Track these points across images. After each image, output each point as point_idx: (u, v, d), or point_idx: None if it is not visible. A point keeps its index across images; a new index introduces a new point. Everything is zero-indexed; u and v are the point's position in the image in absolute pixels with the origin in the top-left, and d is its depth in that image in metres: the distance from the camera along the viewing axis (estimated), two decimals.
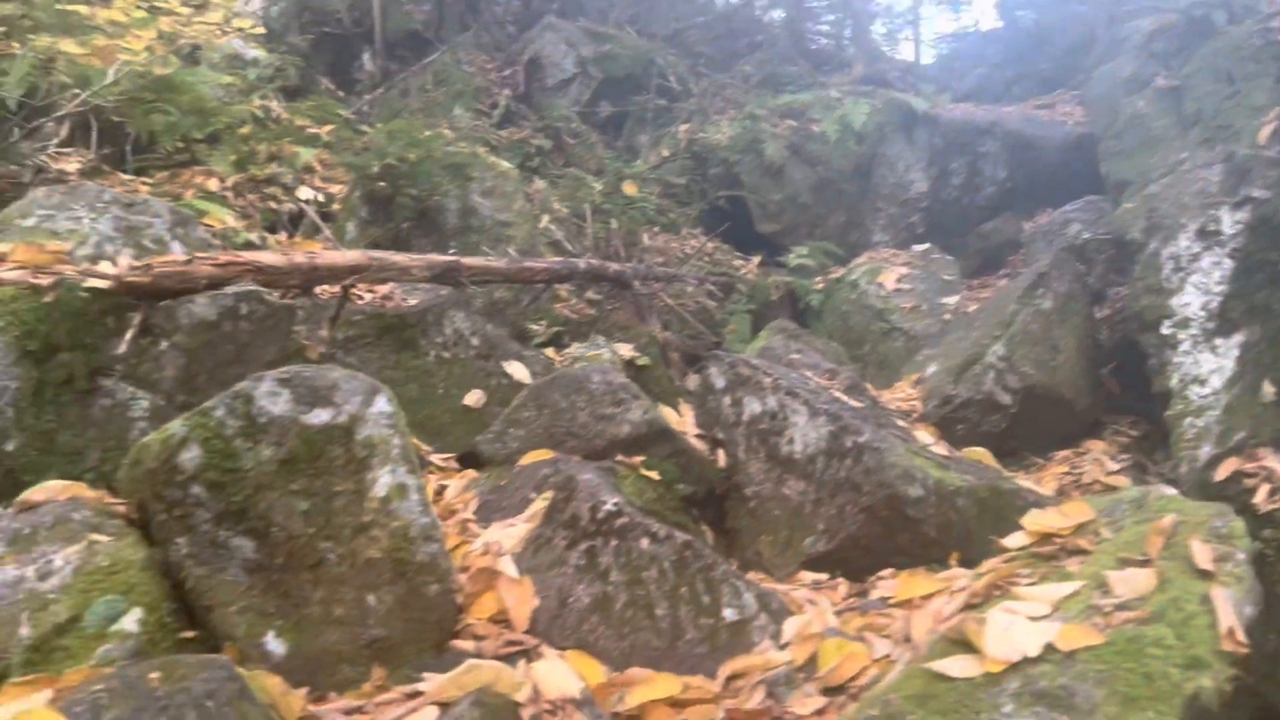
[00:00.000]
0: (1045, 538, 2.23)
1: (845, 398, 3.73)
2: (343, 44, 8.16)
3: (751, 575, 3.02)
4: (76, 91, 4.75)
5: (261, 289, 3.24)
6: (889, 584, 2.88)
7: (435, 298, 4.20)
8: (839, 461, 3.23)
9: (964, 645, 1.82)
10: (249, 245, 4.45)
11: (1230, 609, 1.74)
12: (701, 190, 7.29)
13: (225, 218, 4.70)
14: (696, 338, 5.91)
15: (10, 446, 2.77)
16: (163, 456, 2.18)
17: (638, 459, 3.42)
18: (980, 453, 3.80)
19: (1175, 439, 3.90)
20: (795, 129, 7.38)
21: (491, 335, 4.30)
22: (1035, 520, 2.28)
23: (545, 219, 5.96)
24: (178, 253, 3.40)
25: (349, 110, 7.06)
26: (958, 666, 1.76)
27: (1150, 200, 4.51)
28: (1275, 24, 5.22)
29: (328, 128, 6.29)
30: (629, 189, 6.76)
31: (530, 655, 2.37)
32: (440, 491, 3.31)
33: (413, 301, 4.19)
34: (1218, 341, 3.94)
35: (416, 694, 2.07)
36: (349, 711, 2.03)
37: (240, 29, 6.25)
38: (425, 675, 2.16)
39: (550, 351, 4.89)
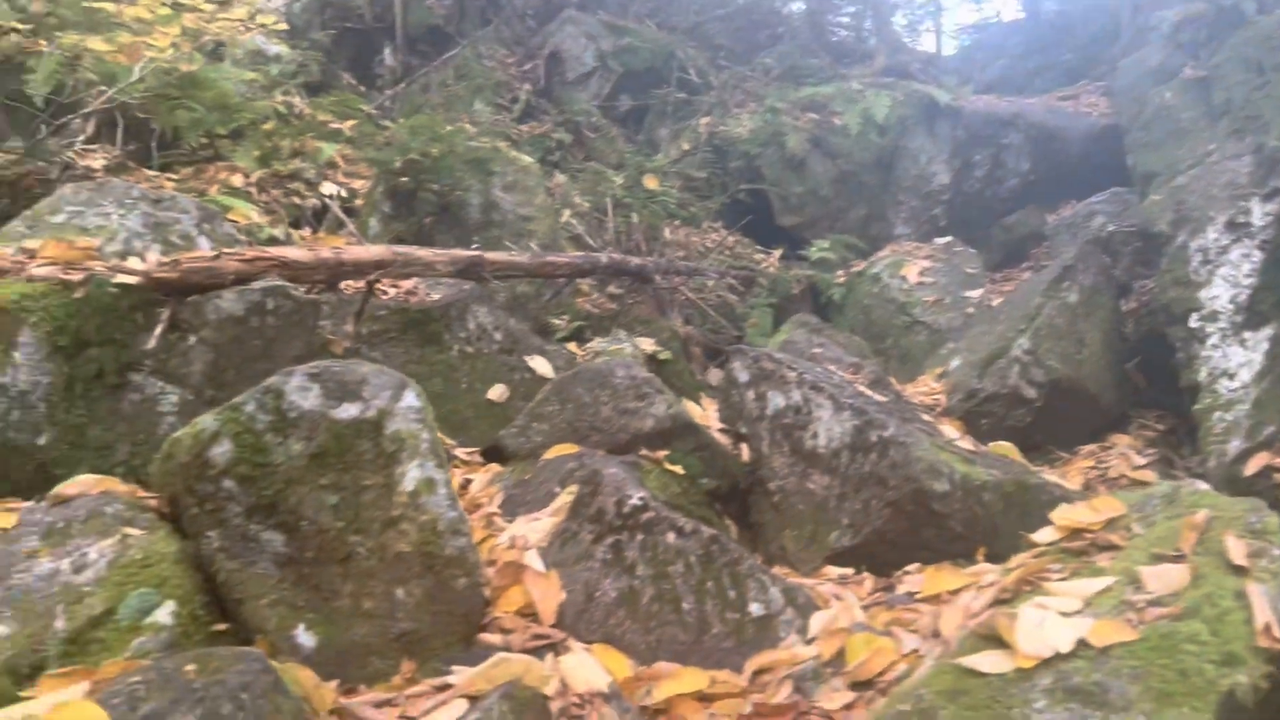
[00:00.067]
0: (1075, 533, 2.21)
1: (869, 392, 3.71)
2: (364, 39, 8.18)
3: (776, 570, 3.02)
4: (103, 89, 4.79)
5: (288, 284, 3.26)
6: (915, 579, 2.88)
7: (458, 293, 4.22)
8: (864, 456, 3.22)
9: (995, 641, 1.81)
10: (273, 241, 4.47)
11: (1266, 605, 1.73)
12: (722, 184, 7.26)
13: (250, 213, 4.73)
14: (718, 332, 5.90)
15: (42, 441, 2.80)
16: (195, 451, 2.20)
17: (661, 453, 3.42)
18: (1006, 447, 3.78)
19: (1203, 433, 3.87)
20: (817, 122, 7.34)
21: (514, 330, 4.31)
22: (1065, 515, 2.26)
23: (566, 213, 5.96)
24: (205, 248, 3.43)
25: (371, 105, 7.08)
26: (989, 662, 1.75)
27: (1178, 192, 4.47)
28: None
29: (350, 123, 6.32)
30: (650, 183, 6.75)
31: (557, 649, 2.38)
32: (465, 485, 3.32)
33: (436, 296, 4.20)
34: (1246, 335, 3.90)
35: (446, 687, 2.09)
36: (380, 704, 2.04)
37: (263, 25, 6.28)
38: (454, 668, 2.17)
39: (572, 346, 4.90)
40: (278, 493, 2.22)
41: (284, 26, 6.57)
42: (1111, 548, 2.11)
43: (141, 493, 2.42)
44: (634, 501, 2.67)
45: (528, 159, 5.94)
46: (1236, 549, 1.88)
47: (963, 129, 7.33)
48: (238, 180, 5.18)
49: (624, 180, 6.68)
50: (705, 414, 3.93)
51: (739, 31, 9.48)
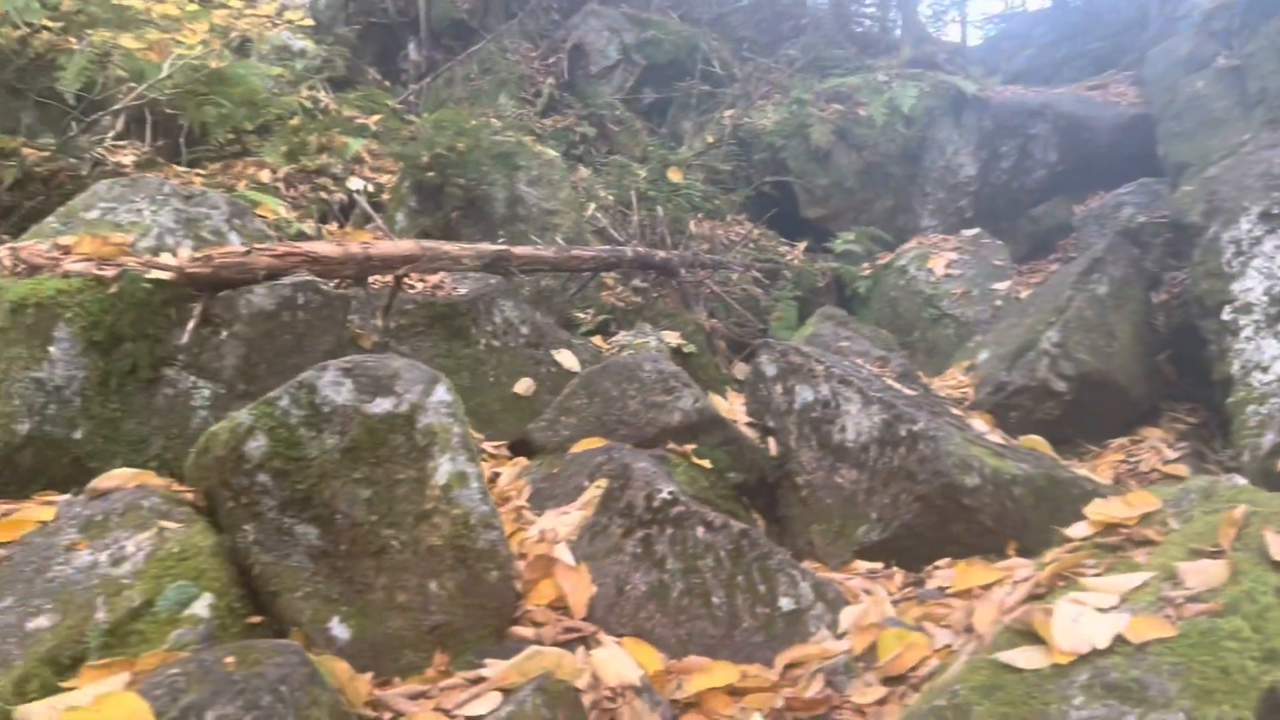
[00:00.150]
0: (1110, 528, 2.19)
1: (898, 385, 3.70)
2: (389, 34, 8.22)
3: (804, 564, 3.01)
4: (132, 85, 4.83)
5: (317, 279, 3.27)
6: (946, 573, 2.87)
7: (485, 286, 4.23)
8: (893, 450, 3.21)
9: (1030, 636, 1.80)
10: (301, 236, 4.50)
11: None
12: (747, 176, 7.25)
13: (277, 208, 4.76)
14: (742, 325, 5.89)
15: (77, 434, 2.83)
16: (230, 445, 2.22)
17: (689, 447, 3.42)
18: (1036, 441, 3.75)
19: (1236, 427, 3.83)
20: (842, 113, 7.31)
21: (540, 324, 4.32)
22: (1099, 510, 2.24)
23: (591, 207, 5.97)
24: (235, 244, 3.45)
25: (395, 100, 7.11)
26: (1025, 658, 1.74)
27: (1210, 183, 4.41)
28: None
29: (375, 118, 6.35)
30: (674, 176, 6.75)
31: (588, 642, 2.38)
32: (493, 479, 3.33)
33: (463, 290, 4.22)
34: None
35: (479, 679, 2.10)
36: (414, 696, 2.06)
37: (289, 21, 6.31)
38: (487, 661, 2.18)
39: (597, 339, 4.91)
40: (312, 486, 2.24)
41: (310, 22, 6.59)
42: (1147, 543, 2.09)
43: (177, 486, 2.44)
44: (664, 495, 2.67)
45: (552, 153, 5.96)
46: (1276, 545, 1.86)
47: (989, 120, 7.28)
48: (265, 176, 5.22)
49: (648, 173, 6.68)
50: (732, 408, 3.93)
51: (763, 23, 9.45)
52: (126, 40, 4.81)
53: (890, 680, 2.21)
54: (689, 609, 2.53)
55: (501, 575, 2.39)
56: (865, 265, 6.60)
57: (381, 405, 2.32)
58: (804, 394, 3.54)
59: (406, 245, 3.73)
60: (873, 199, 7.24)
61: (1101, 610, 1.80)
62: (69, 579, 2.08)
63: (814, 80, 7.92)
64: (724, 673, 2.32)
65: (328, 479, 2.25)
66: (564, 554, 2.62)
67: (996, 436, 3.57)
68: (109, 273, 2.98)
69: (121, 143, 5.12)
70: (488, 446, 3.64)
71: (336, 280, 3.49)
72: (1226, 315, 4.02)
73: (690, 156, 7.24)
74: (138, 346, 2.93)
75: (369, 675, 2.12)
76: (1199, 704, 1.56)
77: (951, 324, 5.67)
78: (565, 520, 2.81)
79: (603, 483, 2.88)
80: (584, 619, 2.49)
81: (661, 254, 5.41)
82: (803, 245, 6.95)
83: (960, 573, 2.71)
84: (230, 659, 1.69)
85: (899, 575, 2.96)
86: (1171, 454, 4.18)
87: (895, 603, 2.67)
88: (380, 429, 2.31)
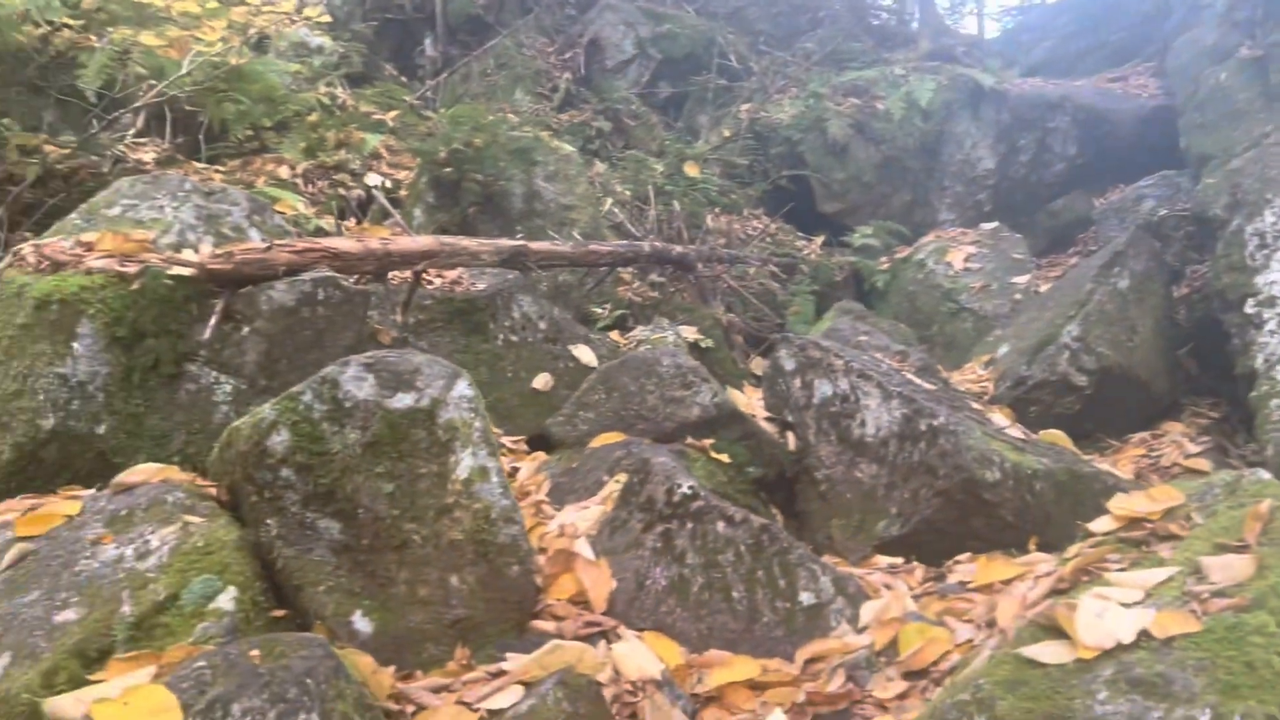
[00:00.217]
0: (1133, 522, 2.18)
1: (917, 380, 3.69)
2: (405, 30, 8.23)
3: (824, 559, 3.01)
4: (152, 83, 4.86)
5: (337, 275, 3.29)
6: (966, 568, 2.85)
7: (502, 282, 4.24)
8: (913, 445, 3.20)
9: (1054, 631, 1.79)
10: (320, 232, 4.52)
11: None
12: (763, 170, 7.23)
13: (296, 204, 4.78)
14: (760, 320, 5.88)
15: (101, 430, 2.85)
16: (253, 440, 2.24)
17: (707, 442, 3.42)
18: (1057, 435, 3.73)
19: (1260, 421, 3.80)
20: (859, 107, 7.28)
21: (558, 319, 4.32)
22: (1122, 504, 2.23)
23: (608, 202, 5.97)
24: (256, 240, 3.47)
25: (412, 96, 7.12)
26: (1049, 652, 1.73)
27: (1233, 175, 4.38)
28: None
29: (392, 114, 6.37)
30: (690, 170, 6.74)
31: (609, 636, 2.39)
32: (512, 473, 3.34)
33: (481, 286, 4.23)
34: None
35: (501, 673, 2.11)
36: (437, 689, 2.07)
37: (307, 18, 6.34)
38: (508, 655, 2.19)
39: (615, 335, 4.91)
40: (334, 481, 2.25)
41: (327, 18, 6.62)
42: (1172, 538, 2.07)
43: (200, 481, 2.46)
44: (684, 490, 2.67)
45: (569, 148, 5.96)
46: None
47: (1008, 113, 7.23)
48: (284, 172, 5.24)
49: (665, 168, 6.67)
50: (750, 402, 3.93)
51: (779, 16, 9.41)
52: (147, 38, 4.84)
53: (912, 675, 2.21)
54: (709, 603, 2.53)
55: (522, 569, 2.40)
56: (883, 259, 6.58)
57: (403, 400, 2.34)
58: (823, 388, 3.54)
59: (425, 241, 3.74)
60: (890, 193, 7.20)
61: (1126, 605, 1.79)
62: (95, 573, 2.10)
63: (831, 74, 7.89)
64: (745, 667, 2.32)
65: (350, 473, 2.26)
66: (584, 548, 2.63)
67: (1017, 431, 3.56)
68: (131, 269, 3.00)
69: (142, 140, 5.15)
70: (506, 441, 3.65)
71: (356, 276, 3.51)
72: (1250, 309, 3.99)
73: (707, 151, 7.22)
74: (160, 342, 2.95)
75: (391, 668, 2.13)
76: (1225, 699, 1.55)
77: (970, 318, 5.65)
78: (585, 515, 2.81)
79: (622, 477, 2.88)
80: (604, 613, 2.50)
81: (678, 249, 5.41)
82: (820, 240, 6.93)
83: (981, 568, 2.70)
84: (256, 652, 1.71)
85: (919, 570, 2.95)
86: (1193, 449, 4.16)
87: (916, 597, 2.66)
88: (402, 424, 2.33)
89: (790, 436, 3.64)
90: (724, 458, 3.39)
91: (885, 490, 3.25)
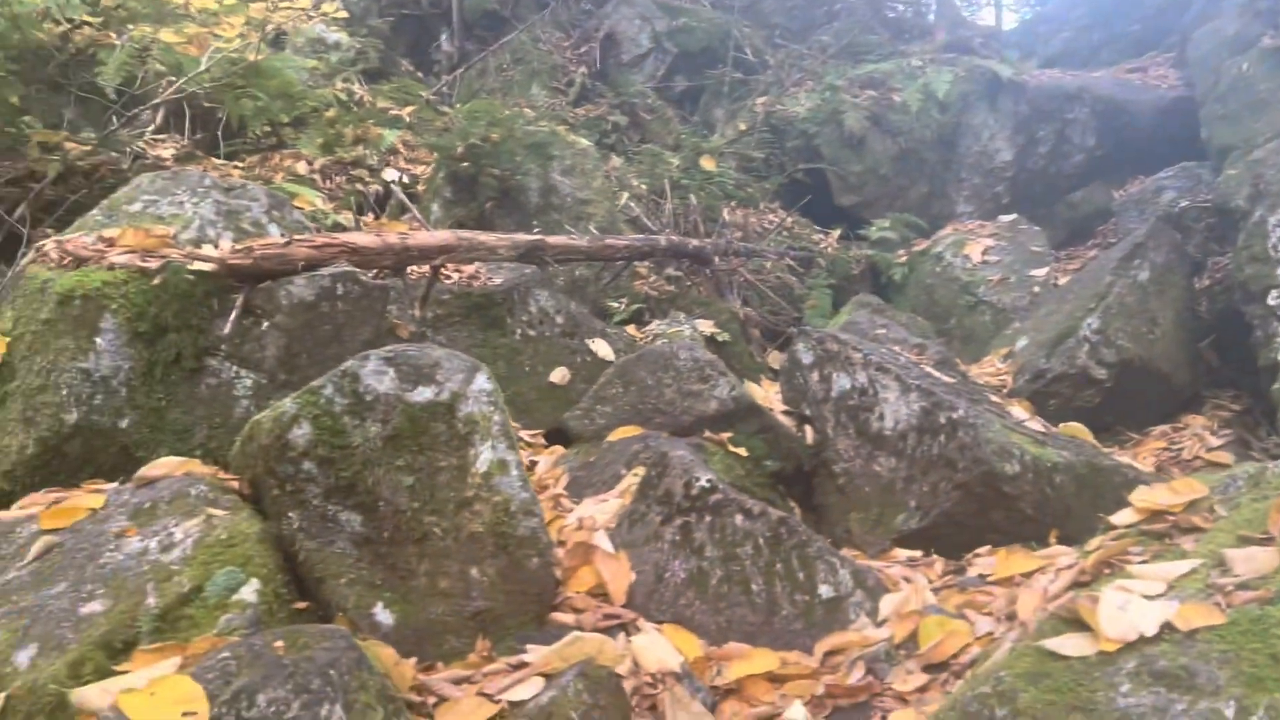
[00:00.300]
0: (1155, 515, 2.16)
1: (936, 373, 3.67)
2: (421, 26, 8.25)
3: (843, 552, 3.00)
4: (171, 79, 4.89)
5: (356, 270, 3.31)
6: (986, 561, 2.85)
7: (520, 276, 4.25)
8: (932, 438, 3.19)
9: (1076, 624, 1.78)
10: (338, 227, 4.54)
11: None
12: (780, 164, 7.21)
13: (314, 200, 4.81)
14: (776, 313, 5.87)
15: (124, 424, 2.88)
16: (275, 433, 2.25)
17: (725, 435, 3.42)
18: (1077, 428, 3.72)
19: None
20: (876, 99, 7.24)
21: (575, 313, 4.33)
22: (1144, 496, 2.21)
23: (624, 196, 5.96)
24: (275, 235, 3.49)
25: (429, 91, 7.14)
26: (1071, 645, 1.72)
27: (1256, 166, 4.33)
28: None
29: (409, 109, 6.38)
30: (706, 164, 6.72)
31: (628, 629, 2.40)
32: (530, 467, 3.36)
33: (498, 281, 4.24)
34: None
35: (522, 665, 2.12)
36: (458, 681, 2.08)
37: (324, 14, 6.36)
38: (529, 647, 2.20)
39: (631, 329, 4.92)
40: (355, 474, 2.26)
41: (343, 14, 6.64)
42: (1194, 530, 2.06)
43: (222, 474, 2.48)
44: (702, 483, 2.67)
45: (585, 142, 5.96)
46: None
47: (1026, 104, 7.18)
48: (302, 168, 5.27)
49: (681, 162, 6.66)
50: (767, 396, 3.92)
51: (795, 9, 9.37)
52: (166, 35, 4.87)
53: (932, 668, 2.21)
54: (728, 596, 2.53)
55: (542, 562, 2.41)
56: (900, 252, 6.55)
57: (423, 394, 2.35)
58: (841, 381, 3.53)
59: (443, 235, 3.75)
60: (907, 186, 7.17)
61: (1149, 597, 1.78)
62: (120, 565, 2.12)
63: (847, 66, 7.85)
64: (764, 659, 2.32)
65: (371, 466, 2.27)
66: (603, 541, 2.64)
67: (1036, 424, 3.54)
68: (153, 264, 3.02)
69: (161, 136, 5.19)
70: (524, 435, 3.66)
71: (374, 271, 3.52)
72: (1272, 300, 3.96)
73: (723, 144, 7.21)
74: (181, 337, 2.97)
75: (413, 660, 2.14)
76: (1250, 691, 1.54)
77: (988, 311, 5.62)
78: (604, 508, 2.82)
79: (640, 471, 2.89)
80: (623, 606, 2.50)
81: (695, 242, 5.40)
82: (837, 233, 6.90)
83: (1001, 560, 2.69)
84: (280, 643, 1.72)
85: (939, 563, 2.94)
86: (1215, 441, 4.13)
87: (935, 591, 2.66)
88: (422, 417, 2.34)
89: (808, 430, 3.64)
90: (742, 451, 3.39)
91: (904, 483, 3.24)
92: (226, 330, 2.98)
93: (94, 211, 3.44)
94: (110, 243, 3.16)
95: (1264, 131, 4.92)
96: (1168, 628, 1.69)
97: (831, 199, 7.13)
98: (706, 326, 4.91)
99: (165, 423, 2.95)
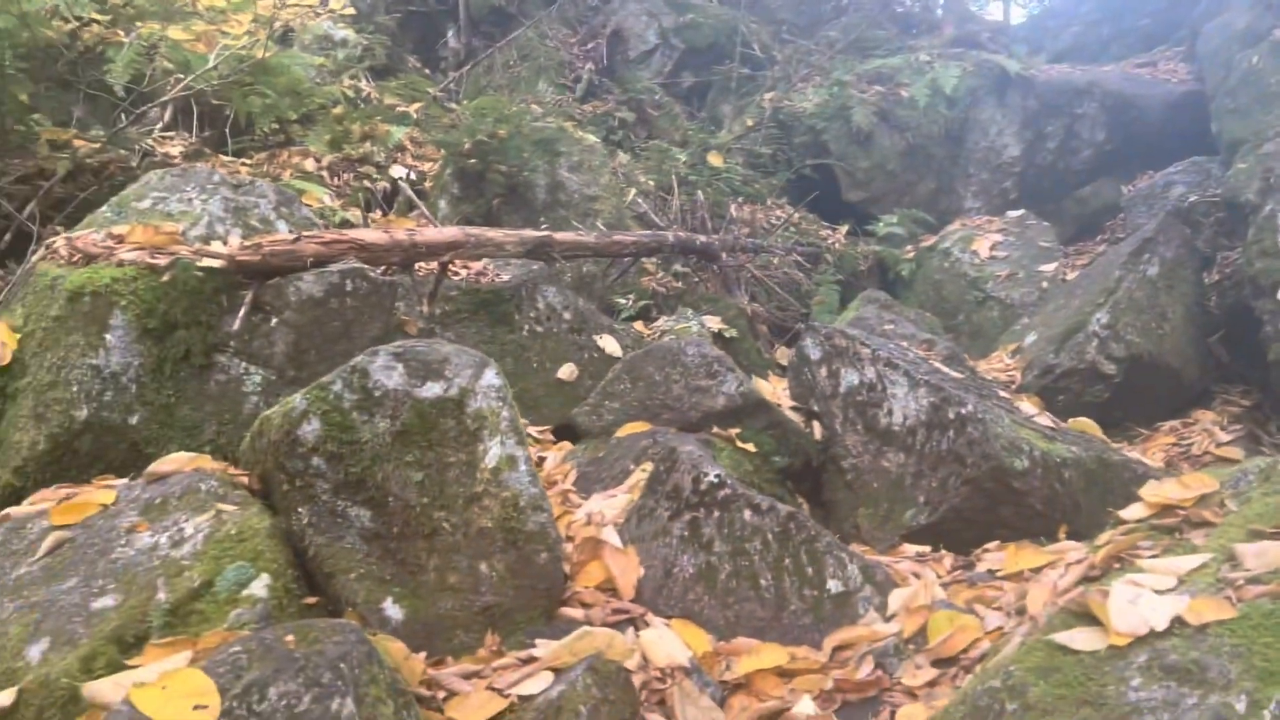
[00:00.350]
0: (1166, 509, 2.16)
1: (945, 368, 3.67)
2: (428, 22, 8.25)
3: (851, 548, 3.00)
4: (179, 77, 4.89)
5: (364, 266, 3.31)
6: (995, 557, 2.84)
7: (527, 273, 4.25)
8: (940, 433, 3.19)
9: (1086, 618, 1.78)
10: (346, 224, 4.55)
11: None
12: (787, 159, 7.20)
13: (322, 197, 4.81)
14: (784, 309, 5.87)
15: (134, 420, 2.89)
16: (285, 429, 2.26)
17: (733, 431, 3.42)
18: (1086, 423, 3.71)
19: None
20: (883, 94, 7.23)
21: (582, 309, 4.33)
22: (1155, 491, 2.21)
23: (631, 192, 5.96)
24: (284, 232, 3.50)
25: (436, 88, 7.14)
26: (1081, 639, 1.72)
27: (1266, 159, 4.31)
28: None
29: (416, 106, 6.38)
30: (714, 160, 6.72)
31: (637, 624, 2.40)
32: (539, 463, 3.36)
33: (505, 277, 4.25)
34: None
35: (531, 659, 2.12)
36: (467, 675, 2.08)
37: (331, 10, 6.36)
38: (538, 641, 2.21)
39: (639, 325, 4.91)
40: (365, 469, 2.27)
41: (350, 11, 6.64)
42: (1205, 524, 2.06)
43: (232, 470, 2.49)
44: (710, 478, 2.67)
45: (593, 138, 5.96)
46: None
47: (1034, 99, 7.16)
48: (309, 165, 5.27)
49: (688, 158, 6.66)
50: (775, 392, 3.92)
51: (802, 5, 9.35)
52: (174, 32, 4.88)
53: (941, 662, 2.21)
54: (737, 591, 2.54)
55: (551, 557, 2.41)
56: (908, 248, 6.54)
57: (432, 389, 2.35)
58: (849, 377, 3.52)
59: (451, 232, 3.75)
60: (915, 181, 7.15)
61: (1159, 592, 1.78)
62: (131, 560, 2.13)
63: (855, 62, 7.83)
64: (773, 654, 2.32)
65: (380, 462, 2.28)
66: (611, 536, 2.64)
67: (1045, 419, 3.53)
68: (162, 261, 3.03)
69: (169, 134, 5.20)
70: (532, 431, 3.66)
71: (383, 267, 3.53)
72: None
73: (730, 140, 7.20)
74: (191, 333, 2.98)
75: (422, 655, 2.15)
76: (1261, 685, 1.53)
77: (996, 307, 5.61)
78: (612, 503, 2.82)
79: (648, 466, 2.89)
80: (632, 601, 2.51)
81: (702, 238, 5.40)
82: (844, 228, 6.89)
83: (1011, 556, 2.69)
84: (290, 637, 1.73)
85: (948, 559, 2.94)
86: (1224, 436, 4.11)
87: (944, 586, 2.65)
88: (431, 413, 2.34)
89: (816, 426, 3.63)
90: (750, 447, 3.39)
91: (913, 479, 3.24)
92: (235, 327, 2.99)
93: (103, 209, 3.46)
94: (119, 240, 3.17)
95: (1274, 125, 4.89)
96: (1178, 622, 1.69)
97: (839, 195, 7.12)
98: (714, 323, 4.91)
99: (175, 419, 2.96)
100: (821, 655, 2.36)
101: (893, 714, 2.09)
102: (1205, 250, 5.05)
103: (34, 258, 3.30)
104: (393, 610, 2.23)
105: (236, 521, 2.18)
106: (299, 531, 2.26)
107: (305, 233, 3.28)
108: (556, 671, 2.05)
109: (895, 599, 2.51)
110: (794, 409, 3.73)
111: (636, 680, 2.10)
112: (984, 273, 5.82)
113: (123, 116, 4.82)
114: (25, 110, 4.18)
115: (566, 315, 4.23)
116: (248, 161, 5.17)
